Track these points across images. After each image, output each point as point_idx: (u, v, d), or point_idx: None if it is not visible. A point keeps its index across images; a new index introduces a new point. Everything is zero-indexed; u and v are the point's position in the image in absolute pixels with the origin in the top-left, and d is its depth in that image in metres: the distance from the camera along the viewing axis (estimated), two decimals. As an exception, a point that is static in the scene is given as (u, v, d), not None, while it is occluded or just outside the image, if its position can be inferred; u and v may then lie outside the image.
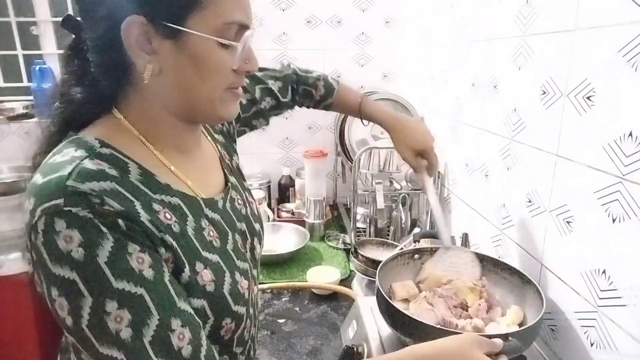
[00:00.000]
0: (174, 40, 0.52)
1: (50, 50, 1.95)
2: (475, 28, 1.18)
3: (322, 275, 1.25)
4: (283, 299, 1.21)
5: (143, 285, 0.47)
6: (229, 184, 0.71)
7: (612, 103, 0.70)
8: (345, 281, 1.29)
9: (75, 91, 0.56)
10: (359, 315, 0.95)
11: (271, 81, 0.95)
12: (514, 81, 0.99)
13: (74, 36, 0.58)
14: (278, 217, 1.71)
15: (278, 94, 0.95)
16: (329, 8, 1.82)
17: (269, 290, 1.24)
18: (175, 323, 0.48)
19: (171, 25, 0.51)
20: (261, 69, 0.95)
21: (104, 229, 0.46)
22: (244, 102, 0.90)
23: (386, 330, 0.87)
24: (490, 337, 0.65)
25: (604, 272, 0.72)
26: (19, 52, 1.92)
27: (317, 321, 1.12)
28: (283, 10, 1.81)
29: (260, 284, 1.26)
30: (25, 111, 1.87)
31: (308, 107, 1.04)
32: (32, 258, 0.48)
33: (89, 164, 0.49)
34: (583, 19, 0.76)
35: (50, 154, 0.52)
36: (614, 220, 0.70)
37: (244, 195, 0.75)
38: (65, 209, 0.45)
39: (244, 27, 0.56)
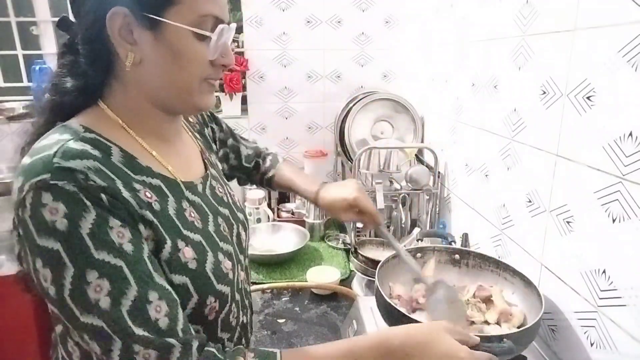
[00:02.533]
0: (153, 31, 0.56)
1: (50, 50, 1.95)
2: (475, 28, 1.18)
3: (322, 275, 1.25)
4: (283, 299, 1.21)
5: (122, 257, 0.50)
6: (209, 172, 0.74)
7: (612, 103, 0.70)
8: (345, 281, 1.29)
9: (65, 81, 0.60)
10: (359, 315, 0.95)
11: (243, 145, 1.00)
12: (514, 81, 0.99)
13: (68, 36, 0.61)
14: (278, 217, 1.71)
15: (244, 158, 1.00)
16: (329, 8, 1.82)
17: (269, 290, 1.24)
18: (153, 295, 0.51)
19: (150, 16, 0.54)
20: (237, 134, 1.01)
21: (88, 202, 0.49)
22: (220, 136, 0.94)
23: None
24: (484, 337, 0.66)
25: (604, 272, 0.72)
26: (19, 52, 1.92)
27: (317, 321, 1.12)
28: (283, 10, 1.81)
29: (260, 284, 1.26)
30: (25, 111, 1.87)
31: (252, 181, 1.05)
32: (18, 234, 0.51)
33: (73, 145, 0.52)
34: (583, 19, 0.76)
35: (39, 140, 0.55)
36: (614, 220, 0.70)
37: (225, 187, 0.78)
38: (52, 182, 0.48)
39: (220, 21, 0.59)
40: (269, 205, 1.79)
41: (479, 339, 0.64)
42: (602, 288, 0.73)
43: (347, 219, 0.94)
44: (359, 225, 1.45)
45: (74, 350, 0.60)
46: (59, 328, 0.61)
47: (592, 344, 0.76)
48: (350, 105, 1.69)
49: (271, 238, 1.51)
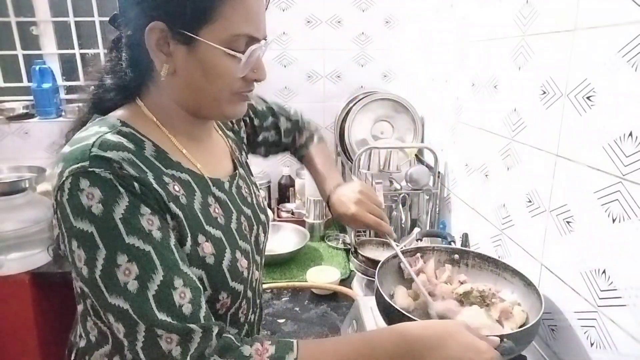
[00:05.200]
0: (187, 46, 0.59)
1: (50, 50, 1.95)
2: (475, 28, 1.18)
3: (322, 275, 1.24)
4: (283, 299, 1.21)
5: (151, 243, 0.53)
6: (237, 172, 0.76)
7: (612, 103, 0.70)
8: (345, 281, 1.29)
9: (107, 78, 0.65)
10: (359, 315, 0.95)
11: (283, 119, 0.99)
12: (514, 81, 0.99)
13: (117, 32, 0.65)
14: (278, 217, 1.71)
15: (283, 132, 0.98)
16: (329, 8, 1.82)
17: (269, 290, 1.24)
18: (178, 282, 0.54)
19: (185, 32, 0.57)
20: (279, 107, 1.00)
21: (121, 190, 0.53)
22: (256, 123, 0.94)
23: (386, 330, 0.87)
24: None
25: (604, 272, 0.72)
26: (19, 52, 1.92)
27: (317, 321, 1.12)
28: (283, 10, 1.81)
29: (260, 284, 1.26)
30: (25, 111, 1.87)
31: (290, 152, 1.04)
32: (57, 217, 0.55)
33: (110, 137, 0.56)
34: (583, 19, 0.76)
35: (79, 131, 0.60)
36: (614, 220, 0.70)
37: (251, 187, 0.79)
38: (90, 169, 0.52)
39: (253, 39, 0.61)
40: (269, 205, 1.79)
41: (498, 339, 0.64)
42: (602, 288, 0.73)
43: (357, 228, 0.91)
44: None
45: (92, 329, 0.63)
46: (80, 307, 0.65)
47: (592, 344, 0.76)
48: (350, 105, 1.69)
49: (271, 238, 1.49)
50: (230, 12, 0.58)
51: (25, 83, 1.95)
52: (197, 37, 0.58)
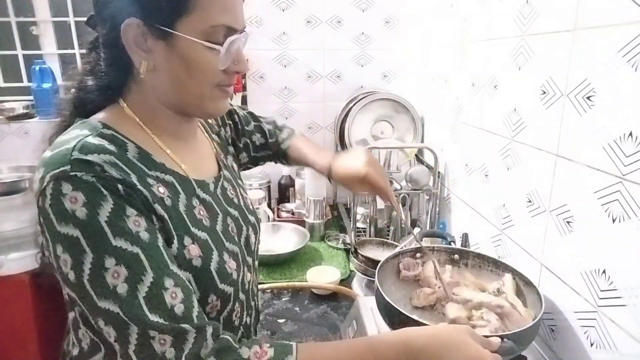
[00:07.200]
0: (165, 41, 0.58)
1: (50, 50, 1.95)
2: (475, 28, 1.18)
3: (322, 275, 1.24)
4: (283, 299, 1.21)
5: (139, 245, 0.52)
6: (222, 173, 0.75)
7: (612, 103, 0.70)
8: (345, 281, 1.29)
9: (87, 80, 0.64)
10: (359, 315, 0.95)
11: (264, 121, 1.00)
12: (514, 81, 0.99)
13: (96, 33, 0.64)
14: (278, 217, 1.71)
15: (268, 134, 0.99)
16: (329, 8, 1.82)
17: (269, 290, 1.24)
18: (169, 282, 0.53)
19: (162, 27, 0.56)
20: (256, 114, 1.01)
21: (105, 192, 0.52)
22: (239, 127, 0.94)
23: (386, 330, 0.87)
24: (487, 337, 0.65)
25: (604, 272, 0.72)
26: (19, 52, 1.92)
27: (317, 321, 1.12)
28: (283, 10, 1.81)
29: (260, 284, 1.26)
30: (25, 111, 1.87)
31: (274, 155, 1.02)
32: (39, 222, 0.53)
33: (91, 140, 0.55)
34: (583, 19, 0.76)
35: (61, 135, 0.58)
36: (614, 220, 0.70)
37: (237, 189, 0.78)
38: (72, 173, 0.51)
39: (232, 30, 0.60)
40: (269, 205, 1.79)
41: (499, 340, 0.64)
42: (602, 288, 0.73)
43: (360, 192, 0.92)
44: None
45: (84, 337, 0.62)
46: (71, 315, 0.64)
47: (592, 344, 0.76)
48: (350, 105, 1.69)
49: (271, 238, 1.51)
50: (207, 2, 0.57)
51: (25, 83, 1.95)
52: (175, 32, 0.56)
